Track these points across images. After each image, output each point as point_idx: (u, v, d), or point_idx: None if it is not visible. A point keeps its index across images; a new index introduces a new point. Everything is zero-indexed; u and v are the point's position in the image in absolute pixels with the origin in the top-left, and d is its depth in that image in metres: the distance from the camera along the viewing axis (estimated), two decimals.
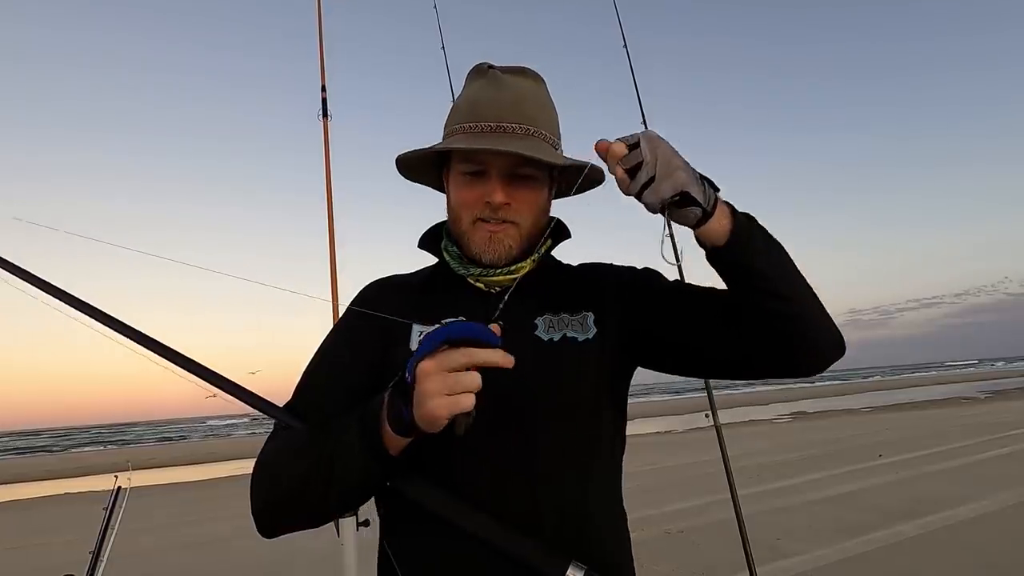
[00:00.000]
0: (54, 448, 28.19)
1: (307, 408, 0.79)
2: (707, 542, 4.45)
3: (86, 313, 0.81)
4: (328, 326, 0.93)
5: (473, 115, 0.81)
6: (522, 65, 0.86)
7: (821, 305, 0.76)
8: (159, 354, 0.79)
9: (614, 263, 0.95)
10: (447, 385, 0.60)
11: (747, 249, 0.71)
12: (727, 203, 0.73)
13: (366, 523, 1.85)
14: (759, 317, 0.74)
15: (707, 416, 2.36)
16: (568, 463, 0.78)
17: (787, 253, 0.75)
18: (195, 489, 9.80)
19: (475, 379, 0.61)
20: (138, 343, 0.80)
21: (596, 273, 0.93)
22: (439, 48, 2.53)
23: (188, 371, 0.78)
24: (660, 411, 21.80)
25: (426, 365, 0.61)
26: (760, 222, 0.75)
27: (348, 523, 1.87)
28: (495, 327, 0.63)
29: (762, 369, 0.79)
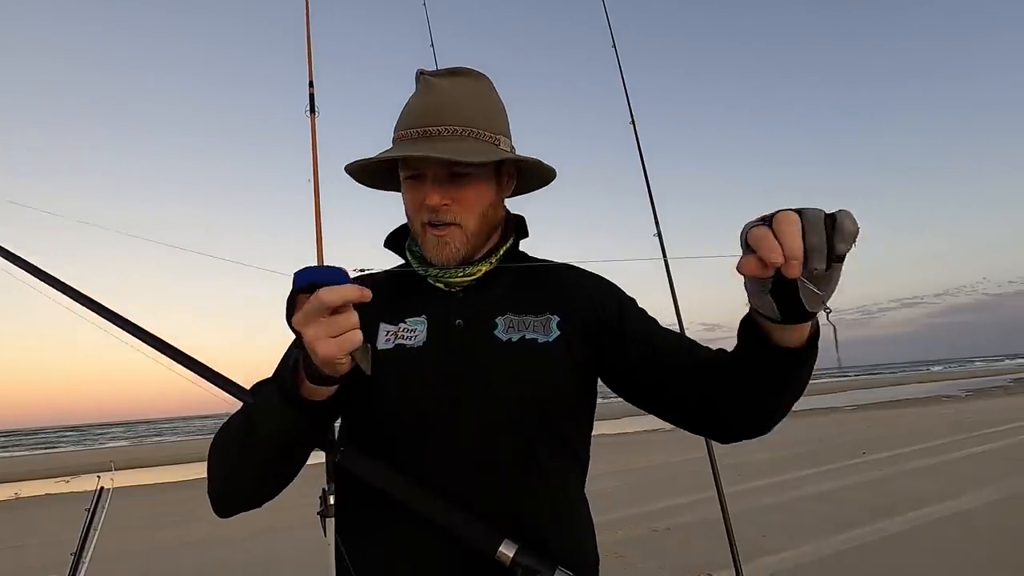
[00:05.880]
0: (36, 448, 27.71)
1: None
2: (693, 539, 4.47)
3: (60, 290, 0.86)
4: None
5: (405, 122, 0.84)
6: (462, 66, 0.88)
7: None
8: (137, 336, 0.82)
9: (602, 276, 0.93)
10: (327, 329, 0.62)
11: (807, 362, 0.68)
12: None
13: None
14: (741, 406, 0.76)
15: None
16: (519, 460, 0.79)
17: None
18: (181, 489, 9.70)
19: (350, 317, 0.63)
20: (111, 321, 0.83)
21: (576, 279, 0.92)
22: (428, 46, 2.53)
23: (164, 353, 0.81)
24: None
25: (296, 319, 0.63)
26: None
27: (334, 523, 1.86)
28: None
29: (695, 428, 0.84)
